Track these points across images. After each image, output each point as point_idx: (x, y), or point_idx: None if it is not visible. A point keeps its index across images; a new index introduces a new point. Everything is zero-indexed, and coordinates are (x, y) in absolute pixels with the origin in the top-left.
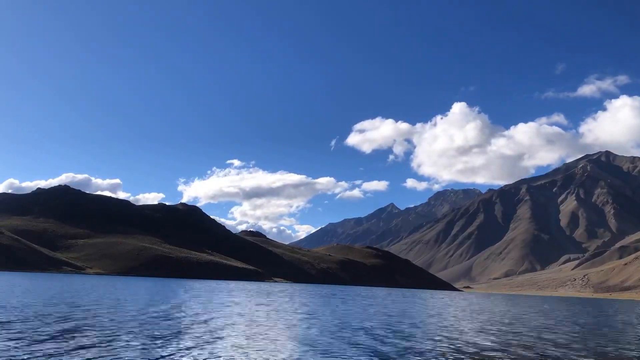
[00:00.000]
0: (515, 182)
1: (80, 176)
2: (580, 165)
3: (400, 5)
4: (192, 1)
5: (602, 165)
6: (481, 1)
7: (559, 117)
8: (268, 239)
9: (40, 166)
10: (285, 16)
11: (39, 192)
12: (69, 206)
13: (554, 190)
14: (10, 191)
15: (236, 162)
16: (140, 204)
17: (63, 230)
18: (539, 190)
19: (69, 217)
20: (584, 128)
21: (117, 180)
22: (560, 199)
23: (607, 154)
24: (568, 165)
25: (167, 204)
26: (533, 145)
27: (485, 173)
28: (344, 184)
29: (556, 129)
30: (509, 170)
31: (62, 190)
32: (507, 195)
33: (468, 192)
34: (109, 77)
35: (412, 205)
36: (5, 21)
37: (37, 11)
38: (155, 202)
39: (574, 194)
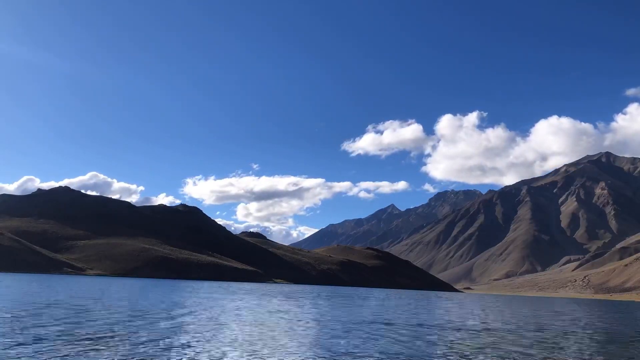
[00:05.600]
0: (515, 183)
1: (108, 179)
2: (581, 166)
3: (419, 10)
4: (213, 5)
5: (603, 166)
6: (503, 4)
7: (581, 120)
8: (268, 240)
9: (53, 168)
10: (305, 24)
11: (40, 193)
12: (69, 207)
13: (554, 191)
14: (19, 193)
15: (255, 166)
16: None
17: (64, 232)
18: (540, 191)
19: (69, 219)
20: (606, 130)
21: (141, 187)
22: (560, 199)
23: (608, 154)
24: (568, 166)
25: (168, 205)
26: (552, 148)
27: (503, 177)
28: (358, 186)
29: (577, 131)
30: (529, 175)
31: (63, 192)
32: (508, 196)
33: (468, 193)
34: (137, 81)
35: (413, 207)
36: (32, 26)
37: (63, 15)
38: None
39: (574, 195)
